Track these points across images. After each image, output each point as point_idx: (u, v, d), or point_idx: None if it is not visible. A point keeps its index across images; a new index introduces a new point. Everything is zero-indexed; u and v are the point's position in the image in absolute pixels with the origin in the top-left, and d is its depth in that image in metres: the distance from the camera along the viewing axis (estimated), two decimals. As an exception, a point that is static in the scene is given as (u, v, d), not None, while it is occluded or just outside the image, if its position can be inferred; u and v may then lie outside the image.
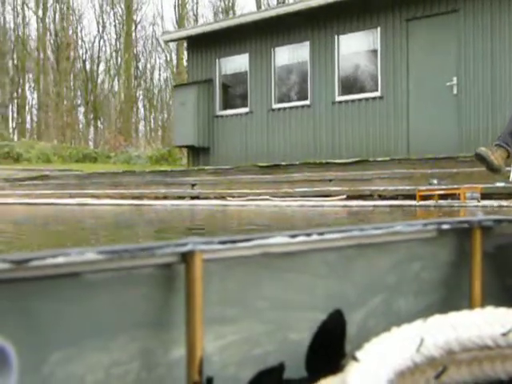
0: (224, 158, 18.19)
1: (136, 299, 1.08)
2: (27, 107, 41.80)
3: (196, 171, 14.78)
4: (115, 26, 42.08)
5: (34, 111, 41.89)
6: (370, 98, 16.05)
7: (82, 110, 42.15)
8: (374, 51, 16.17)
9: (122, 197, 13.94)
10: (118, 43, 41.60)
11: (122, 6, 40.74)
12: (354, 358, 1.04)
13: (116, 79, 41.06)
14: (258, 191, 12.51)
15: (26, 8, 40.91)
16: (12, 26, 41.37)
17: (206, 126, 18.86)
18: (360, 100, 16.23)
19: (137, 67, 42.28)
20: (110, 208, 12.24)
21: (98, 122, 41.75)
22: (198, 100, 18.80)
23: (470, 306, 1.45)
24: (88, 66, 42.35)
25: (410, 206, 10.44)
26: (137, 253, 1.03)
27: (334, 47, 16.77)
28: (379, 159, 13.01)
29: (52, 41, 41.15)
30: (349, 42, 16.64)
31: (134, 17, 41.28)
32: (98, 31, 42.54)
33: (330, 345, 1.33)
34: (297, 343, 1.28)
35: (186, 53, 22.16)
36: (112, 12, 42.06)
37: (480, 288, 1.47)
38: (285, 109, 17.67)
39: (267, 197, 11.95)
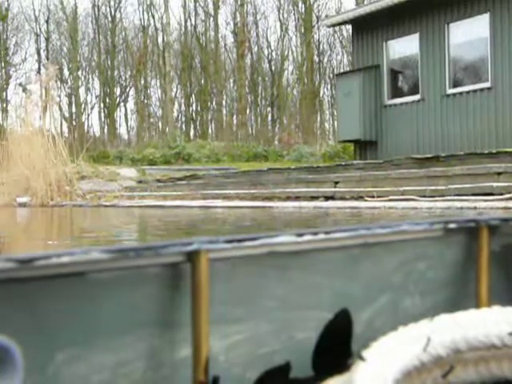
0: (393, 151, 16.11)
1: (142, 299, 1.07)
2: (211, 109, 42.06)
3: (343, 167, 12.94)
4: (296, 22, 41.04)
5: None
6: None
7: (263, 109, 41.79)
8: None
9: (253, 197, 12.44)
10: (299, 40, 40.59)
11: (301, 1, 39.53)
12: (361, 358, 1.03)
13: (297, 76, 40.06)
14: (404, 189, 10.34)
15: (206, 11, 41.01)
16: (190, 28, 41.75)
17: (372, 118, 16.89)
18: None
19: (320, 62, 41.05)
20: (221, 211, 10.95)
21: (284, 120, 41.01)
22: (364, 89, 16.87)
23: (477, 306, 1.43)
24: (272, 65, 41.91)
25: None
26: (142, 252, 1.02)
27: (520, 16, 14.11)
28: None
29: (232, 40, 41.02)
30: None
31: (316, 11, 39.96)
32: (281, 29, 41.55)
33: (337, 344, 1.32)
34: (303, 342, 1.27)
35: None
36: (293, 10, 41.05)
37: (487, 287, 1.45)
38: (461, 93, 15.26)
39: (412, 197, 9.79)
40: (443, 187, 9.81)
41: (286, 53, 41.88)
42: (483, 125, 14.55)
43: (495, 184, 9.29)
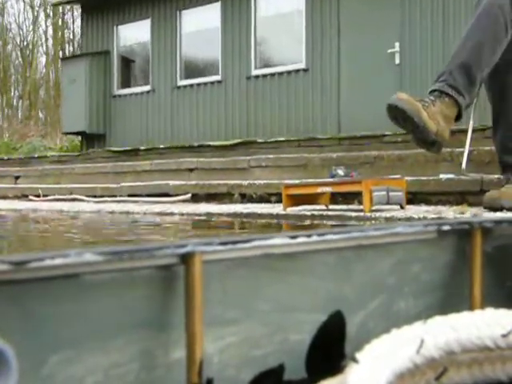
0: (122, 145, 14.70)
1: (135, 301, 1.06)
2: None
3: (36, 159, 11.34)
4: (44, 7, 38.39)
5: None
6: (293, 70, 12.74)
7: (14, 99, 38.78)
8: (299, 12, 12.82)
9: None
10: (50, 26, 38.02)
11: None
12: (354, 360, 1.03)
13: (43, 61, 37.54)
14: (76, 186, 8.90)
15: None
16: None
17: (100, 108, 15.36)
18: (281, 73, 12.92)
19: (75, 51, 38.84)
20: None
21: (39, 113, 38.20)
22: (91, 76, 15.30)
23: (471, 308, 1.43)
24: (24, 53, 38.92)
25: (272, 216, 6.42)
26: (136, 254, 1.01)
27: (251, 8, 13.41)
28: (271, 140, 9.55)
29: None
30: (270, 0, 13.29)
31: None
32: (33, 14, 38.64)
33: (330, 346, 1.30)
34: (297, 344, 1.25)
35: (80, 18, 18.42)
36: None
37: (480, 289, 1.45)
38: (192, 86, 14.27)
39: (80, 196, 8.41)
40: (115, 185, 8.45)
41: (37, 40, 39.22)
42: (213, 118, 13.68)
43: (171, 182, 8.10)
